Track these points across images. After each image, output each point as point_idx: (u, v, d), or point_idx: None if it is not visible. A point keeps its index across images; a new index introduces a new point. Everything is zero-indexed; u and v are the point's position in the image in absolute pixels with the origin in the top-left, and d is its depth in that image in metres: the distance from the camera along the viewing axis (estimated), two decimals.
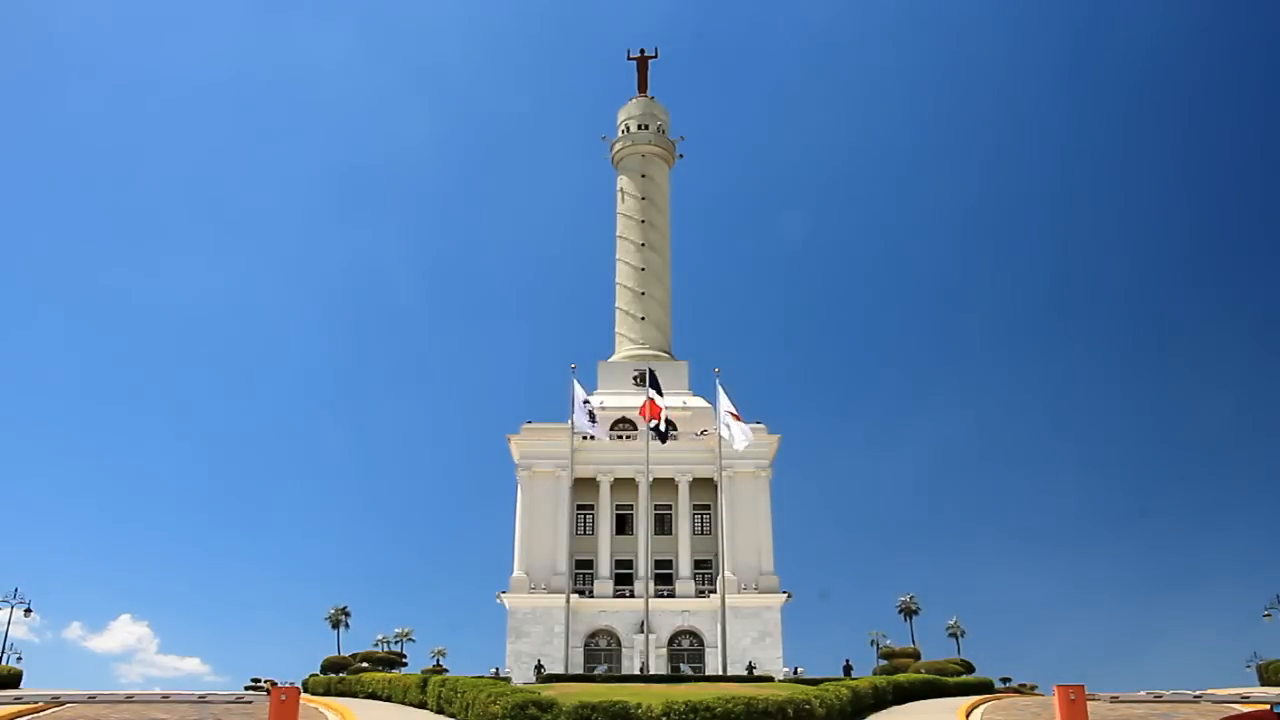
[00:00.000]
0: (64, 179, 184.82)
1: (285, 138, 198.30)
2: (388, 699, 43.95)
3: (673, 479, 75.14)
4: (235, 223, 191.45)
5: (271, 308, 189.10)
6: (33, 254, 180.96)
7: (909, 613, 74.30)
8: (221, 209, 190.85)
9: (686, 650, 70.57)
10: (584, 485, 74.76)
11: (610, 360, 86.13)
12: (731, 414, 58.16)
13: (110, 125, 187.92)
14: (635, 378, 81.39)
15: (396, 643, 75.04)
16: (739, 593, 69.60)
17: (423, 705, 39.12)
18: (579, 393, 58.08)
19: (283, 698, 23.88)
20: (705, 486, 75.25)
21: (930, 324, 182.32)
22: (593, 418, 59.21)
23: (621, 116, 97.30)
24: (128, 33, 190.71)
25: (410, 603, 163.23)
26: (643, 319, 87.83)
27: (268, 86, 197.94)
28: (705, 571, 74.67)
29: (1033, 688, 59.10)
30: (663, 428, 59.86)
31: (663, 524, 75.79)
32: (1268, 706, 24.24)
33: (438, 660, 73.49)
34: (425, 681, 40.05)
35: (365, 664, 63.42)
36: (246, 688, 58.96)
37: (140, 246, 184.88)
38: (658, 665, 65.83)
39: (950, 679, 52.35)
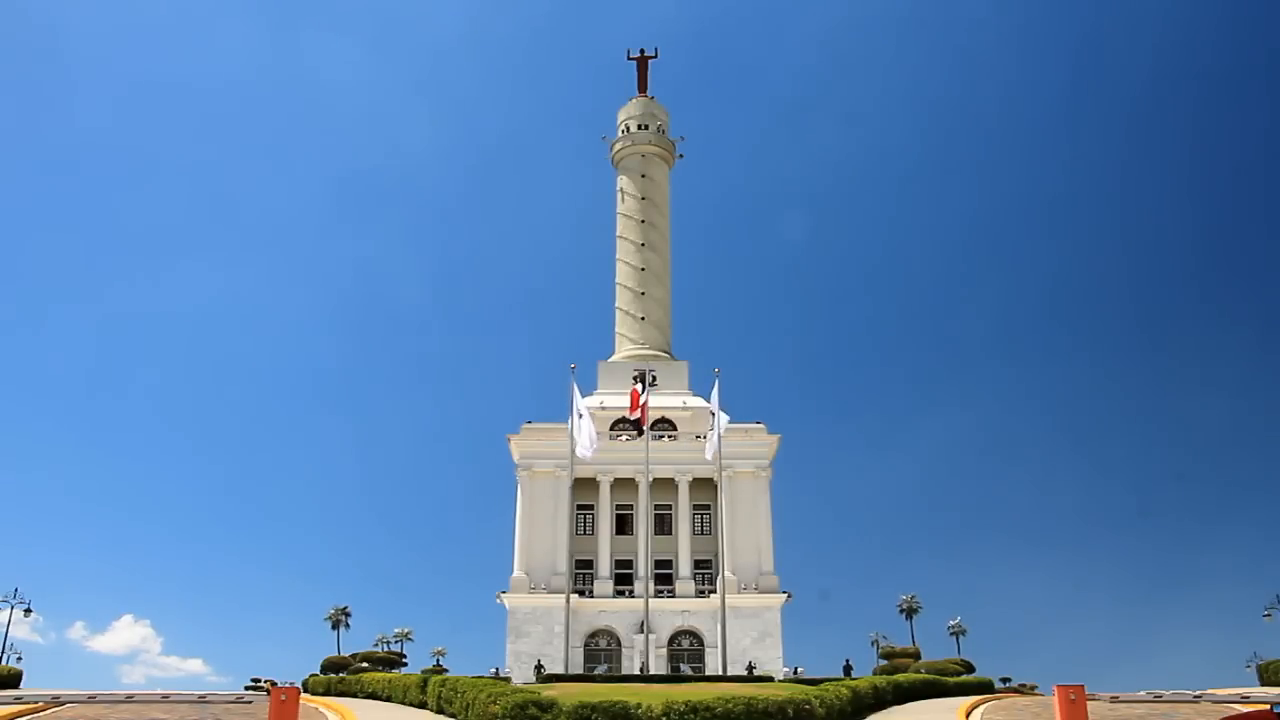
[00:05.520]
0: (72, 185, 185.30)
1: (290, 144, 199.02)
2: (388, 699, 43.94)
3: (673, 479, 75.12)
4: (241, 227, 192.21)
5: (275, 310, 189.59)
6: (39, 256, 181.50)
7: (909, 612, 74.32)
8: (228, 214, 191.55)
9: (686, 650, 70.56)
10: (584, 485, 74.70)
11: (610, 360, 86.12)
12: (712, 412, 57.92)
13: (117, 132, 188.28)
14: (635, 378, 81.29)
15: (396, 643, 75.08)
16: (739, 593, 69.60)
17: (423, 705, 39.11)
18: (579, 402, 57.49)
19: (283, 698, 23.87)
20: (705, 486, 75.23)
21: (931, 325, 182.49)
22: (588, 415, 58.91)
23: (621, 116, 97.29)
24: (134, 41, 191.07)
25: (410, 603, 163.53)
26: (643, 319, 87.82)
27: (273, 94, 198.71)
28: (705, 571, 74.66)
29: (1033, 688, 59.10)
30: (644, 426, 59.99)
31: (663, 524, 75.75)
32: (1268, 706, 24.22)
33: (438, 660, 73.52)
34: (425, 681, 40.05)
35: (365, 664, 63.42)
36: (247, 688, 58.96)
37: (146, 250, 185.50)
38: (658, 665, 65.83)
39: (950, 679, 52.34)
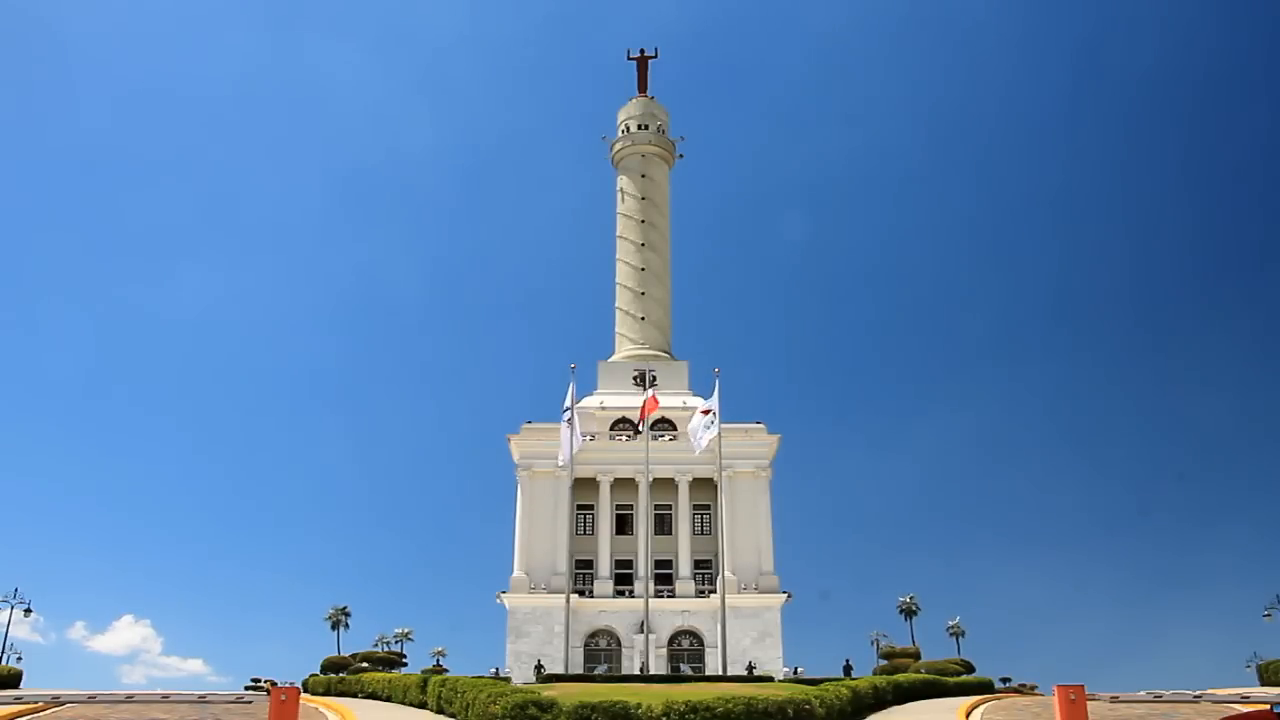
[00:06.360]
0: (73, 186, 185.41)
1: (291, 145, 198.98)
2: (388, 699, 43.95)
3: (673, 479, 75.07)
4: (242, 228, 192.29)
5: (275, 310, 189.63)
6: (40, 257, 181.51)
7: (909, 613, 74.26)
8: (228, 215, 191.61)
9: (686, 650, 70.56)
10: (584, 485, 74.62)
11: (610, 360, 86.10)
12: (704, 410, 58.06)
13: (118, 133, 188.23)
14: (635, 378, 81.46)
15: (396, 643, 74.99)
16: (739, 593, 69.58)
17: (423, 705, 39.13)
18: (571, 420, 57.56)
19: (283, 698, 23.88)
20: (705, 486, 75.19)
21: (931, 325, 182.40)
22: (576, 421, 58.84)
23: (621, 116, 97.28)
24: (135, 42, 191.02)
25: (410, 603, 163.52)
26: (643, 319, 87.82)
27: (274, 95, 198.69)
28: (705, 571, 74.65)
29: (1033, 688, 59.07)
30: (643, 428, 60.08)
31: (663, 524, 75.73)
32: (1268, 706, 24.23)
33: (438, 660, 73.46)
34: (425, 681, 40.07)
35: (365, 664, 63.40)
36: (247, 688, 58.95)
37: (147, 250, 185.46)
38: (658, 665, 65.83)
39: (950, 679, 52.35)
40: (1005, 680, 60.21)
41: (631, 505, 75.88)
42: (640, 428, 61.05)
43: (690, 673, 63.13)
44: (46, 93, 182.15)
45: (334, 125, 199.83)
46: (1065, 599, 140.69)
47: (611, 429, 77.74)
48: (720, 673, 55.30)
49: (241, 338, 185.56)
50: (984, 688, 52.90)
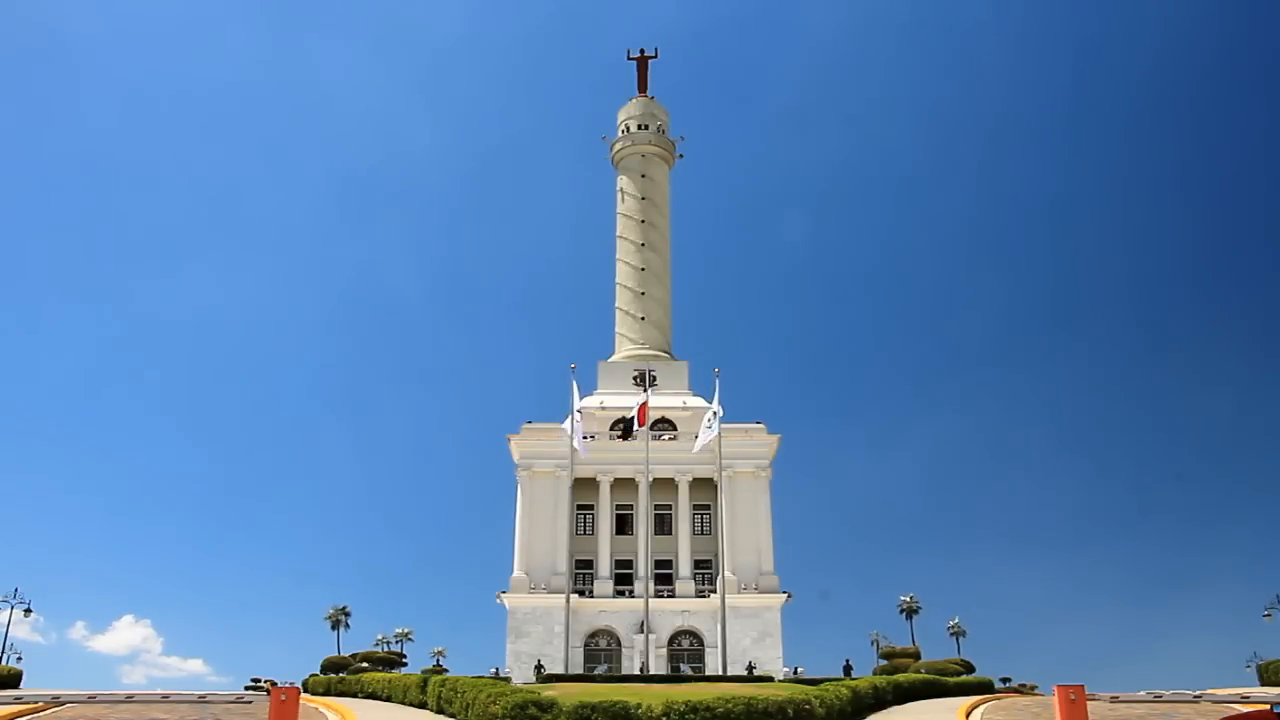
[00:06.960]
0: (75, 187, 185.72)
1: (292, 146, 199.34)
2: (388, 699, 43.96)
3: (673, 479, 75.08)
4: (242, 228, 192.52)
5: (276, 310, 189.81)
6: (41, 257, 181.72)
7: (909, 613, 74.33)
8: (229, 216, 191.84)
9: (686, 650, 70.55)
10: (584, 485, 74.69)
11: (610, 360, 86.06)
12: (715, 412, 58.43)
13: (120, 135, 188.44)
14: (635, 378, 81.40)
15: (396, 643, 75.11)
16: (739, 593, 69.58)
17: (423, 705, 39.13)
18: (575, 416, 57.80)
19: (283, 698, 23.87)
20: (705, 486, 75.20)
21: (931, 325, 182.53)
22: (579, 418, 59.26)
23: (621, 116, 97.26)
24: (136, 44, 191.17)
25: (410, 603, 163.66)
26: (643, 319, 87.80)
27: (275, 96, 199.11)
28: (705, 571, 74.64)
29: (1033, 688, 59.10)
30: (639, 426, 60.41)
31: (663, 524, 75.72)
32: (1268, 706, 24.23)
33: (438, 660, 73.57)
34: (425, 681, 40.07)
35: (365, 664, 63.43)
36: (247, 688, 58.96)
37: (148, 251, 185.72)
38: (658, 665, 65.82)
39: (950, 679, 52.35)
40: (1005, 680, 60.25)
41: (631, 505, 75.87)
42: (634, 427, 61.03)
43: (690, 673, 63.13)
44: (48, 93, 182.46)
45: (334, 126, 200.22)
46: (1065, 599, 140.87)
47: (612, 429, 77.73)
48: (720, 673, 55.30)
49: (242, 338, 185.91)
50: (984, 688, 52.90)
